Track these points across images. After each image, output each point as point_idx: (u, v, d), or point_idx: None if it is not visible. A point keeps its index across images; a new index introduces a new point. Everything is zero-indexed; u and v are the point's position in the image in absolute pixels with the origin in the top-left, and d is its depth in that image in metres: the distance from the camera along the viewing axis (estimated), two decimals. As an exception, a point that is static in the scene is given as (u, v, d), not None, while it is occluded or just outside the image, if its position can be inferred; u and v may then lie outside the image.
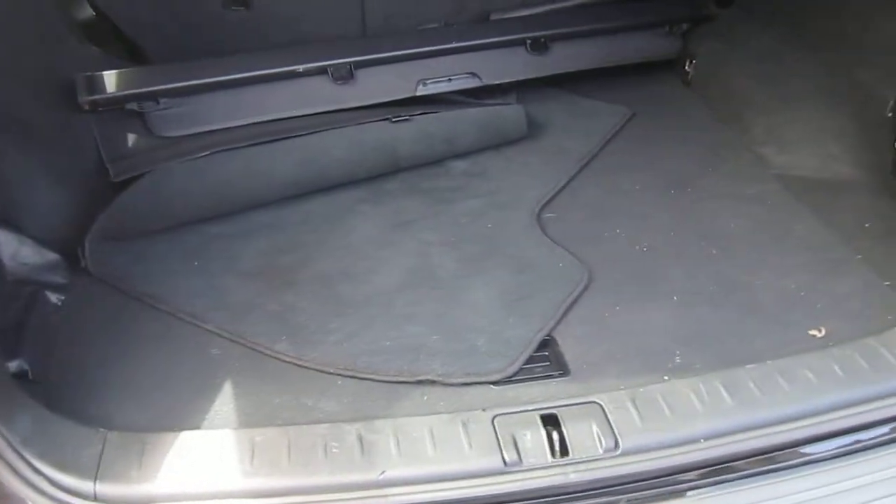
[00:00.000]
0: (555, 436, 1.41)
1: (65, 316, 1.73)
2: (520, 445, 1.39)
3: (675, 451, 1.40)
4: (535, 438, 1.41)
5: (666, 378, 1.57)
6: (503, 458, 1.37)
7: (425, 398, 1.54)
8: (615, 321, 1.73)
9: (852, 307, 1.75)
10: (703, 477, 1.40)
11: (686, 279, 1.85)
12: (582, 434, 1.42)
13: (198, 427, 1.47)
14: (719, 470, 1.40)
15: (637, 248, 1.96)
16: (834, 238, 1.97)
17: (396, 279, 1.84)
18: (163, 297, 1.76)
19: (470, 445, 1.39)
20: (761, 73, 2.41)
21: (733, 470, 1.41)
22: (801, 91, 2.32)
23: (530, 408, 1.47)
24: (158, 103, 2.14)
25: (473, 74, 2.41)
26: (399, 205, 2.10)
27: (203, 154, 1.99)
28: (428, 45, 2.37)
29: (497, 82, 2.46)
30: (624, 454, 1.39)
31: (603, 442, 1.39)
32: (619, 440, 1.40)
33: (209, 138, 2.13)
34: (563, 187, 2.18)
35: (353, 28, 2.51)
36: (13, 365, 1.54)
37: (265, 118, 2.22)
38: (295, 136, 2.09)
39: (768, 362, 1.56)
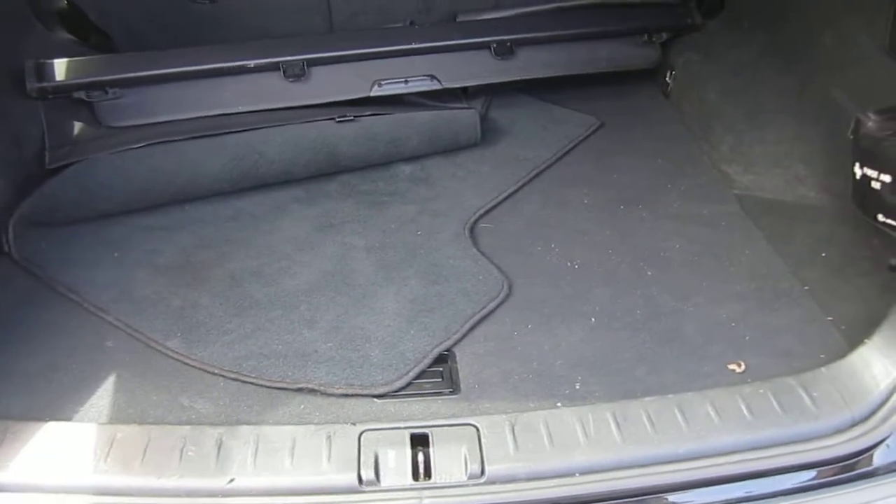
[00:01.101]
0: (420, 457, 1.35)
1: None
2: (381, 464, 1.33)
3: (545, 483, 1.32)
4: (398, 458, 1.34)
5: (559, 405, 1.49)
6: (359, 476, 1.31)
7: (302, 407, 1.49)
8: (522, 340, 1.64)
9: (784, 342, 1.63)
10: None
11: (610, 301, 1.75)
12: (449, 457, 1.34)
13: (68, 419, 1.45)
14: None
15: (568, 264, 1.87)
16: (782, 267, 1.84)
17: (307, 282, 1.79)
18: (74, 286, 1.76)
19: (329, 460, 1.33)
20: (735, 87, 2.28)
21: (608, 509, 1.33)
22: (772, 108, 2.18)
23: (403, 425, 1.41)
24: (107, 93, 2.14)
25: (433, 77, 2.35)
26: (332, 206, 2.05)
27: (136, 146, 1.99)
28: (386, 45, 2.32)
29: (457, 86, 2.40)
30: (488, 482, 1.32)
31: (469, 468, 1.32)
32: (486, 467, 1.32)
33: (153, 130, 2.12)
34: (507, 197, 2.10)
35: (319, 24, 2.49)
36: None
37: (214, 112, 2.21)
38: (229, 133, 2.07)
39: (670, 396, 1.47)
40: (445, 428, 1.41)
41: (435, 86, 2.35)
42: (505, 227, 2.00)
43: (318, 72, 2.29)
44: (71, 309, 1.72)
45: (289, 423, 1.43)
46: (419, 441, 1.38)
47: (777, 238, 1.93)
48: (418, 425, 1.41)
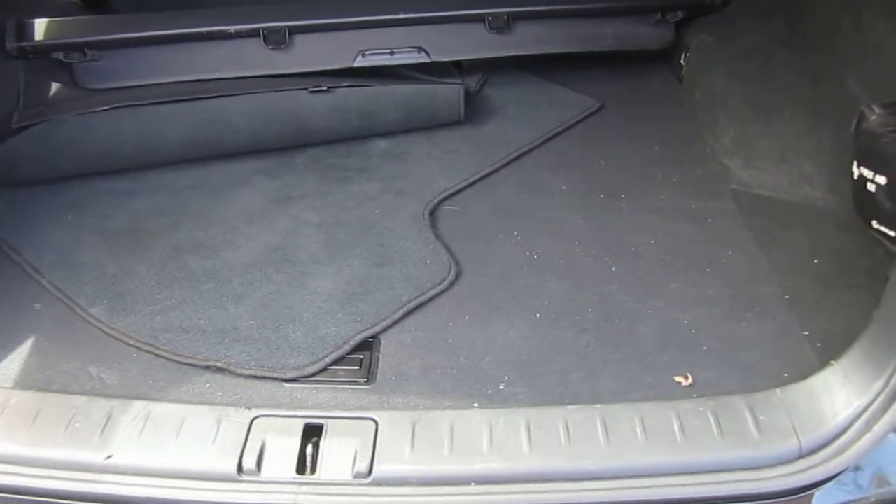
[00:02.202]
0: (310, 449, 1.27)
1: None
2: (266, 453, 1.25)
3: (435, 490, 1.21)
4: (285, 449, 1.26)
5: (475, 405, 1.37)
6: (240, 464, 1.23)
7: (207, 386, 1.42)
8: (455, 333, 1.53)
9: (747, 356, 1.46)
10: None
11: (563, 296, 1.61)
12: (339, 452, 1.25)
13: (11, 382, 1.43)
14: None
15: (528, 254, 1.74)
16: (766, 272, 1.66)
17: (249, 256, 1.72)
18: (19, 246, 1.74)
19: (213, 443, 1.26)
20: (745, 73, 2.08)
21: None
22: (783, 98, 1.98)
23: (301, 414, 1.33)
24: (85, 55, 2.12)
25: (420, 49, 2.23)
26: (294, 179, 1.97)
27: (102, 108, 1.96)
28: (372, 14, 2.21)
29: (446, 59, 2.27)
30: (374, 483, 1.22)
31: (356, 466, 1.23)
32: (375, 467, 1.23)
33: (127, 93, 2.09)
34: (480, 179, 1.97)
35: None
36: None
37: (191, 78, 2.16)
38: (196, 99, 2.01)
39: (597, 406, 1.33)
40: (343, 420, 1.32)
41: (423, 58, 2.24)
42: (470, 211, 1.88)
43: (300, 40, 2.21)
44: (10, 269, 1.70)
45: (187, 402, 1.36)
46: (313, 432, 1.30)
47: (768, 241, 1.74)
48: (316, 415, 1.33)
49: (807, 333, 1.50)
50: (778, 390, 1.33)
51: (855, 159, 1.58)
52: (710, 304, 1.60)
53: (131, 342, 1.50)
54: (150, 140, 1.97)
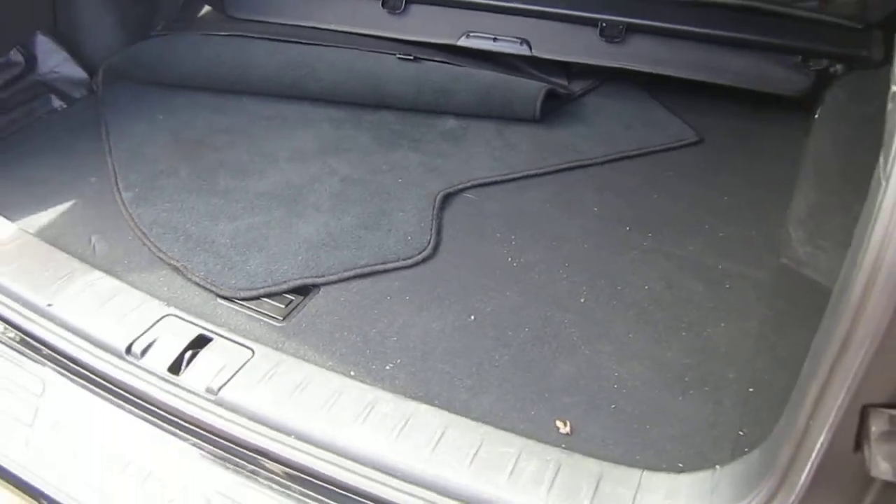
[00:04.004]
0: (188, 355, 1.39)
1: (55, 118, 2.14)
2: (153, 346, 1.40)
3: (259, 428, 1.27)
4: (169, 348, 1.40)
5: (351, 374, 1.39)
6: (130, 346, 1.39)
7: (159, 279, 1.60)
8: (385, 307, 1.54)
9: (656, 431, 1.31)
10: (269, 475, 1.25)
11: (511, 309, 1.54)
12: (206, 366, 1.37)
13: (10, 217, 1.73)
14: (291, 477, 1.23)
15: (510, 260, 1.68)
16: (747, 359, 1.44)
17: (268, 186, 1.86)
18: (111, 130, 2.04)
19: (120, 322, 1.44)
20: (855, 141, 1.75)
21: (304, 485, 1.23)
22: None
23: (201, 324, 1.45)
24: (235, -13, 2.42)
25: (524, 41, 2.19)
26: (352, 133, 2.07)
27: (215, 34, 2.22)
28: (487, -1, 2.22)
29: (548, 58, 2.20)
30: (215, 402, 1.31)
31: (211, 382, 1.33)
32: (224, 389, 1.32)
33: (244, 26, 2.35)
34: (517, 179, 1.92)
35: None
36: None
37: (310, 24, 2.35)
38: (292, 42, 2.19)
39: (450, 414, 1.29)
40: (229, 342, 1.42)
41: (524, 51, 2.20)
42: (485, 206, 1.84)
43: (415, 9, 2.29)
44: (95, 146, 2.01)
45: (130, 284, 1.55)
46: (201, 343, 1.42)
47: (776, 329, 1.51)
48: (212, 330, 1.44)
49: (742, 433, 1.30)
50: (642, 472, 1.19)
51: None
52: (659, 367, 1.43)
53: (131, 225, 1.73)
54: (246, 69, 2.19)
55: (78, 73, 2.24)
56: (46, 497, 1.23)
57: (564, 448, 1.25)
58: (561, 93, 2.18)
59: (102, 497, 1.22)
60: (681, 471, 1.23)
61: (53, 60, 2.22)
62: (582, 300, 1.58)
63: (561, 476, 1.18)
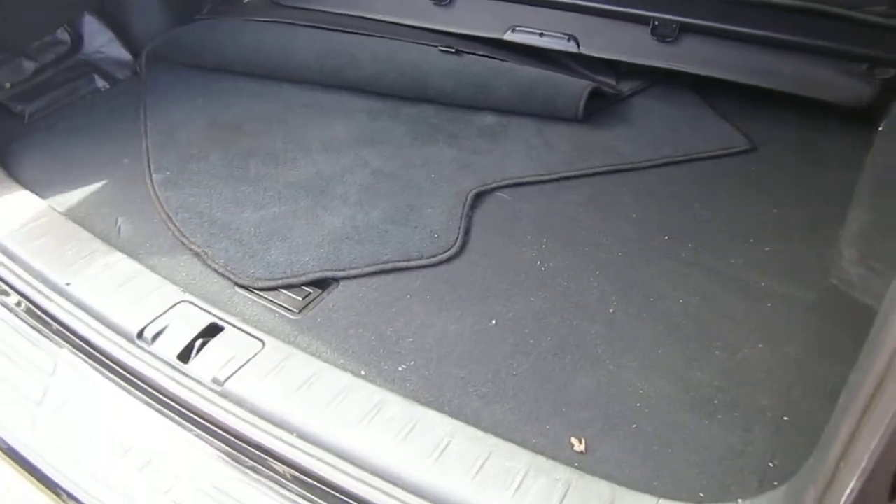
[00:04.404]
0: (198, 344, 1.36)
1: (97, 98, 2.15)
2: (165, 332, 1.38)
3: (261, 423, 1.23)
4: (180, 335, 1.38)
5: (362, 373, 1.34)
6: (142, 330, 1.37)
7: (180, 264, 1.58)
8: (405, 306, 1.49)
9: (676, 456, 1.23)
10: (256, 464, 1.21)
11: (534, 315, 1.47)
12: (216, 356, 1.34)
13: (35, 191, 1.73)
14: (290, 476, 1.19)
15: (539, 264, 1.60)
16: (784, 384, 1.34)
17: (297, 176, 1.83)
18: (149, 111, 2.05)
19: (136, 305, 1.42)
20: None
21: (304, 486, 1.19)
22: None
23: (214, 312, 1.42)
24: (285, -26, 2.40)
25: (571, 38, 2.11)
26: (388, 125, 2.03)
27: (259, 19, 2.21)
28: (535, -8, 2.14)
29: (596, 55, 2.11)
30: (220, 394, 1.28)
31: (218, 372, 1.30)
32: (230, 380, 1.28)
33: (289, 13, 2.33)
34: (555, 180, 1.84)
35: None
36: (24, 107, 2.02)
37: (358, 13, 2.31)
38: (334, 30, 2.16)
39: (461, 423, 1.23)
40: (240, 332, 1.39)
41: (571, 47, 2.11)
42: (518, 207, 1.77)
43: (462, 2, 2.23)
44: (133, 128, 2.01)
45: (150, 268, 1.53)
46: (212, 331, 1.39)
47: (817, 356, 1.40)
48: (225, 319, 1.41)
49: (772, 465, 1.20)
50: (657, 501, 1.11)
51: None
52: (687, 387, 1.34)
53: (158, 208, 1.72)
54: (287, 56, 2.17)
55: (122, 54, 2.26)
56: (46, 477, 1.22)
57: (577, 467, 1.18)
58: (607, 92, 2.10)
59: (100, 481, 1.20)
60: (700, 501, 1.15)
61: (99, 41, 2.24)
62: (611, 311, 1.50)
63: (569, 498, 1.11)
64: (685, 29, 2.05)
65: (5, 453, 1.27)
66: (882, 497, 0.82)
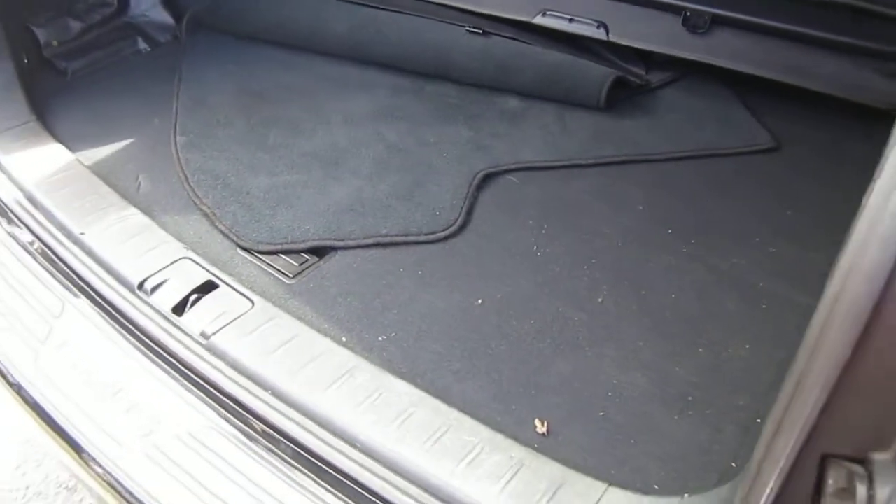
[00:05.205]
0: (193, 297, 1.43)
1: (138, 60, 2.25)
2: (164, 285, 1.45)
3: (236, 377, 1.29)
4: (177, 289, 1.44)
5: (343, 339, 1.39)
6: (143, 281, 1.44)
7: (189, 222, 1.65)
8: (394, 279, 1.52)
9: (636, 446, 1.23)
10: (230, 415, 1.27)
11: (521, 298, 1.49)
12: (207, 311, 1.40)
13: (72, 148, 1.82)
14: (260, 431, 1.25)
15: (535, 248, 1.61)
16: (765, 386, 1.32)
17: (314, 146, 1.87)
18: (189, 74, 2.13)
19: (141, 258, 1.49)
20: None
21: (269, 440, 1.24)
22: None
23: (212, 270, 1.49)
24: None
25: (601, 24, 2.08)
26: (409, 102, 2.05)
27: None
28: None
29: (625, 44, 2.08)
30: (205, 347, 1.34)
31: (206, 327, 1.36)
32: (216, 335, 1.34)
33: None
34: (566, 167, 1.84)
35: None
36: (67, 65, 2.12)
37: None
38: (362, 5, 2.19)
39: (429, 398, 1.26)
40: (232, 290, 1.45)
41: (600, 34, 2.08)
42: (525, 191, 1.78)
43: (495, -18, 2.23)
44: (167, 90, 2.09)
45: (161, 225, 1.60)
46: (207, 288, 1.45)
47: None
48: (220, 276, 1.47)
49: (735, 465, 1.19)
50: (606, 487, 1.12)
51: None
52: (663, 381, 1.34)
53: (178, 169, 1.79)
54: (318, 28, 2.21)
55: (166, 18, 2.35)
56: (40, 408, 1.30)
57: (536, 448, 1.20)
58: (633, 82, 2.07)
59: (88, 418, 1.28)
60: (653, 493, 1.16)
61: (144, 4, 2.33)
62: (599, 300, 1.50)
63: (520, 476, 1.13)
64: (717, 21, 2.00)
65: (8, 384, 1.37)
66: (804, 499, 0.81)
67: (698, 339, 1.43)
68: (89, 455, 1.24)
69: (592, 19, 2.11)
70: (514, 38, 2.12)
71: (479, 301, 1.49)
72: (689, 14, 2.02)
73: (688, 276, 1.57)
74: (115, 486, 1.21)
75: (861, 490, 0.74)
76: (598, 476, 1.16)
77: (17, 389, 1.36)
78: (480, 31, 2.09)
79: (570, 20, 2.13)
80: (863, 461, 0.76)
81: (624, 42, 2.10)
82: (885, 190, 0.69)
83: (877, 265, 0.68)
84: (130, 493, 1.18)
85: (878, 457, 0.74)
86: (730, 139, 1.96)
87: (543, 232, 1.67)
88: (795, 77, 1.94)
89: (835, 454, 0.77)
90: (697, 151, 1.91)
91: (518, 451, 1.17)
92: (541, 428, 1.25)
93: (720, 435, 1.26)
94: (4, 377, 1.39)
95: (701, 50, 2.03)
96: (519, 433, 1.23)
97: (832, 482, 0.78)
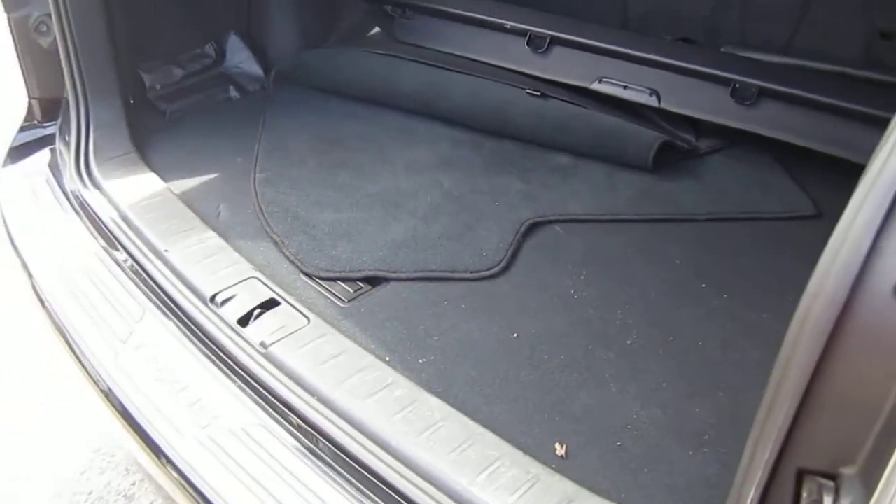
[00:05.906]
0: (257, 312, 1.59)
1: (228, 106, 2.50)
2: (232, 300, 1.62)
3: (291, 385, 1.43)
4: (244, 304, 1.61)
5: (386, 359, 1.52)
6: (215, 295, 1.62)
7: (260, 248, 1.82)
8: (441, 311, 1.65)
9: (650, 476, 1.31)
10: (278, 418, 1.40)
11: (554, 336, 1.59)
12: (268, 325, 1.56)
13: (159, 173, 2.05)
14: (304, 431, 1.38)
15: (572, 292, 1.72)
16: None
17: (377, 189, 2.05)
18: (270, 124, 2.35)
19: (214, 275, 1.67)
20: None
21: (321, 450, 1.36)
22: None
23: (276, 290, 1.65)
24: (405, 13, 2.66)
25: (653, 92, 2.21)
26: (468, 154, 2.22)
27: (370, 51, 2.50)
28: (622, 46, 2.26)
29: (675, 111, 2.20)
30: (264, 356, 1.49)
31: (267, 338, 1.51)
32: (274, 345, 1.49)
33: (401, 48, 2.60)
34: (608, 221, 1.95)
35: (614, 19, 2.55)
36: (166, 106, 2.38)
37: (463, 54, 2.53)
38: (429, 65, 2.39)
39: (457, 412, 1.37)
40: (291, 308, 1.60)
41: (652, 101, 2.22)
42: (568, 241, 1.89)
43: (557, 50, 2.39)
44: (254, 133, 2.32)
45: (235, 248, 1.78)
46: (270, 304, 1.61)
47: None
48: (284, 296, 1.63)
49: (745, 502, 1.25)
50: (610, 505, 1.19)
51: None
52: (681, 419, 1.41)
53: (254, 201, 1.99)
54: (391, 85, 2.42)
55: (256, 70, 2.61)
56: (116, 398, 1.47)
57: (553, 468, 1.29)
58: (681, 147, 2.19)
59: (156, 409, 1.44)
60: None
61: (238, 57, 2.60)
62: (628, 342, 1.59)
63: (535, 490, 1.22)
64: (765, 93, 2.11)
65: (90, 377, 1.55)
66: (783, 515, 0.88)
67: (719, 383, 1.50)
68: (149, 437, 1.39)
69: (646, 87, 2.25)
70: (569, 102, 2.27)
71: (515, 335, 1.61)
72: (737, 86, 2.14)
73: (715, 326, 1.64)
74: (166, 464, 1.36)
75: (827, 502, 0.81)
76: (609, 497, 1.24)
77: (96, 380, 1.54)
78: (539, 94, 2.26)
79: (625, 87, 2.28)
80: (835, 476, 0.83)
81: (674, 109, 2.23)
82: (847, 222, 0.77)
83: (836, 291, 0.77)
84: (181, 473, 1.32)
85: (846, 471, 0.82)
86: (771, 204, 2.04)
87: (581, 278, 1.78)
88: (838, 149, 2.02)
89: (809, 469, 0.85)
90: (738, 214, 2.00)
91: (535, 468, 1.26)
92: (560, 450, 1.34)
93: (728, 470, 1.31)
94: (88, 374, 1.57)
95: (747, 120, 2.14)
96: (538, 453, 1.32)
97: (806, 495, 0.85)
